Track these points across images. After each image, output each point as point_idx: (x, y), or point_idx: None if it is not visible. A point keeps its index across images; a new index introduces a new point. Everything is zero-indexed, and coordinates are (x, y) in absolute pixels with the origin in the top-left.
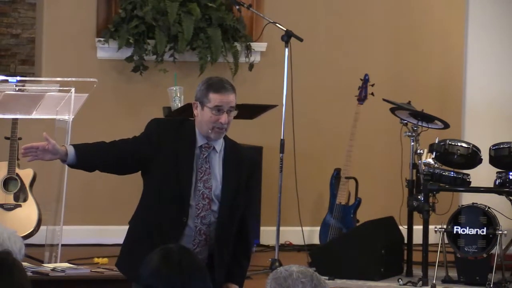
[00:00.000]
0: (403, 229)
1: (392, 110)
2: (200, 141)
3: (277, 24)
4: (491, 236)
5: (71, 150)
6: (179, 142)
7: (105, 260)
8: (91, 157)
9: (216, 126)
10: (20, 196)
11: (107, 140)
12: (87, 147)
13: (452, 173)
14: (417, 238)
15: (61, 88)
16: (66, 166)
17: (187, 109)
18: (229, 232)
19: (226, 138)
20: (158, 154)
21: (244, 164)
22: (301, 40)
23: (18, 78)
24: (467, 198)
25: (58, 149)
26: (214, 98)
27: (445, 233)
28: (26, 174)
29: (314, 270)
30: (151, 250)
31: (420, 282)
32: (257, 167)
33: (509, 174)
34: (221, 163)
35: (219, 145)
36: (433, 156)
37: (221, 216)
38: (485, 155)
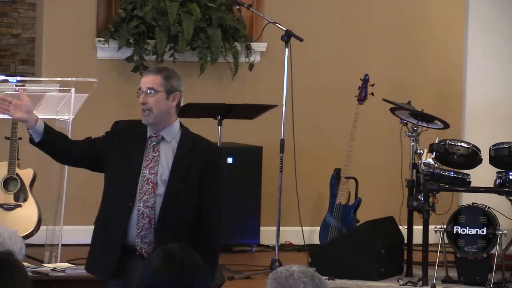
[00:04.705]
0: (403, 229)
1: (392, 110)
2: (149, 132)
3: (277, 24)
4: (491, 236)
5: (42, 122)
6: (131, 137)
7: None
8: (59, 136)
9: (141, 108)
10: (20, 196)
11: None
12: (56, 130)
13: (452, 173)
14: (417, 238)
15: (61, 88)
16: (66, 166)
17: (186, 109)
18: (175, 216)
19: (184, 131)
20: (110, 151)
21: (196, 151)
22: (301, 40)
23: (18, 78)
24: (467, 198)
25: (31, 110)
26: None
27: (445, 233)
28: (26, 174)
29: (314, 270)
30: (107, 240)
31: (420, 282)
32: (215, 156)
33: (509, 174)
34: (173, 151)
35: (170, 135)
36: (433, 156)
37: (166, 199)
38: (485, 155)
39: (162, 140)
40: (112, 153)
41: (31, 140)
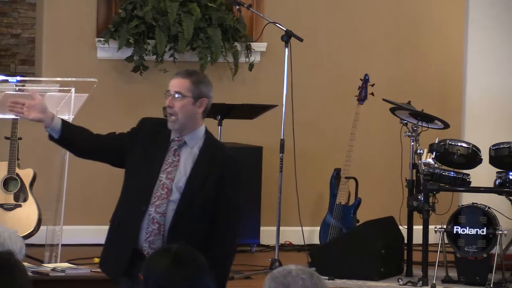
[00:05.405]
0: (403, 229)
1: (392, 110)
2: (173, 135)
3: (277, 24)
4: (491, 236)
5: (58, 118)
6: (155, 137)
7: None
8: (77, 131)
9: (167, 110)
10: (20, 196)
11: None
12: (74, 125)
13: (452, 173)
14: (417, 238)
15: (61, 88)
16: (66, 166)
17: None
18: (187, 225)
19: (208, 137)
20: (133, 148)
21: (215, 160)
22: (301, 40)
23: (18, 78)
24: (467, 198)
25: (46, 108)
26: None
27: (445, 233)
28: (26, 174)
29: (314, 270)
30: (119, 241)
31: (420, 282)
32: (233, 167)
33: (509, 174)
34: (194, 158)
35: (194, 140)
36: (433, 156)
37: (179, 207)
38: (485, 155)
39: (184, 145)
40: (134, 150)
41: (51, 137)
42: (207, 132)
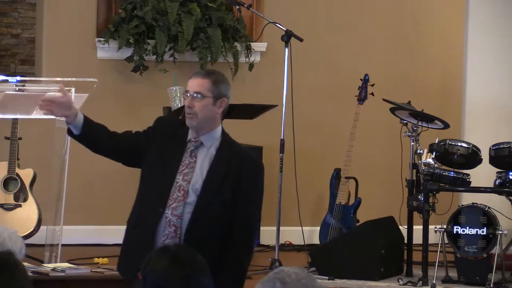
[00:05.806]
0: (403, 229)
1: (392, 110)
2: (190, 135)
3: (277, 24)
4: (491, 236)
5: (81, 115)
6: (171, 138)
7: (105, 260)
8: (97, 129)
9: (186, 111)
10: (20, 196)
11: None
12: (94, 122)
13: (452, 173)
14: (417, 238)
15: None
16: (66, 166)
17: None
18: (203, 228)
19: (225, 138)
20: (149, 148)
21: (233, 162)
22: (301, 40)
23: (18, 78)
24: (467, 198)
25: (72, 104)
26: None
27: (445, 233)
28: (26, 174)
29: (314, 270)
30: (136, 243)
31: (420, 282)
32: (251, 170)
33: (509, 174)
34: (211, 159)
35: (210, 141)
36: (433, 156)
37: (196, 209)
38: (485, 155)
39: (201, 146)
40: (151, 150)
41: (70, 132)
42: (224, 133)
